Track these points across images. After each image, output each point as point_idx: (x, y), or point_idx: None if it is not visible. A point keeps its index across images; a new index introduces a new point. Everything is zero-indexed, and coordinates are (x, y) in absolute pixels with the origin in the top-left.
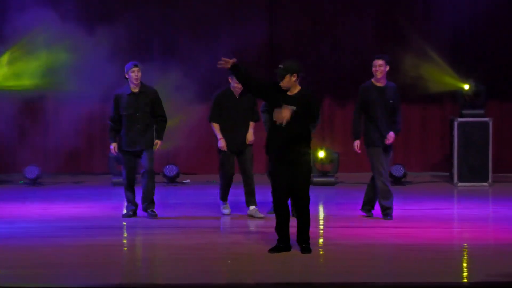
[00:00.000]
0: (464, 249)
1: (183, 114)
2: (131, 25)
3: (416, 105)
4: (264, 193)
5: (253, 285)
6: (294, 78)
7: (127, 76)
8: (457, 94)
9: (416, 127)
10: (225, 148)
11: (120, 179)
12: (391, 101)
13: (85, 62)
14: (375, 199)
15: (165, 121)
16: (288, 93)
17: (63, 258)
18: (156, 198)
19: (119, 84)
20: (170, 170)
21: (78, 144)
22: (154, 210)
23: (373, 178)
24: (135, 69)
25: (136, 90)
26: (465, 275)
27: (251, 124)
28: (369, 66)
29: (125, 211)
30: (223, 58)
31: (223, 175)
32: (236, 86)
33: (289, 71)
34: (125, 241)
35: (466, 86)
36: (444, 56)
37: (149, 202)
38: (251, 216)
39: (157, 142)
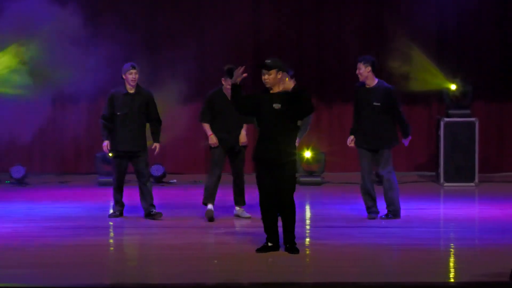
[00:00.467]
0: (451, 249)
1: (169, 114)
2: (115, 26)
3: (402, 103)
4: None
5: (240, 285)
6: (279, 76)
7: (124, 77)
8: (444, 94)
9: None
10: (216, 144)
11: (106, 179)
12: (376, 103)
13: (75, 60)
14: (390, 199)
15: (160, 124)
16: (271, 91)
17: (49, 258)
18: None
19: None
20: (157, 170)
21: (65, 143)
22: (156, 211)
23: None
24: (133, 71)
25: (132, 91)
26: (451, 275)
27: (244, 126)
28: (354, 65)
29: (111, 211)
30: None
31: (213, 174)
32: (229, 88)
33: (276, 67)
34: (111, 241)
35: (453, 86)
36: (430, 55)
37: (151, 204)
38: (238, 216)
39: (156, 145)
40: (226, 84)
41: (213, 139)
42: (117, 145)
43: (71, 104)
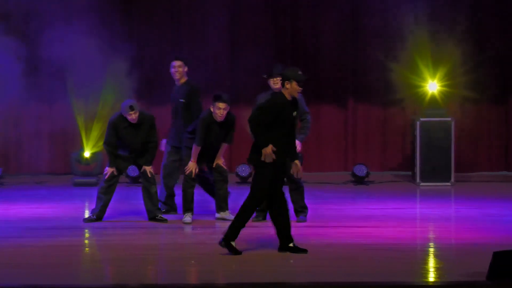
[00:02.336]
0: (427, 249)
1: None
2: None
3: (377, 104)
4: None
5: (217, 285)
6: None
7: (124, 115)
8: (419, 93)
9: (378, 126)
10: (193, 173)
11: (82, 180)
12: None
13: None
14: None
15: (156, 147)
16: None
17: (24, 259)
18: (118, 198)
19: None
20: (133, 171)
21: (40, 144)
22: (161, 216)
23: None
24: (132, 112)
25: (135, 122)
26: (427, 274)
27: (224, 145)
28: (331, 63)
29: (88, 215)
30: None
31: (186, 190)
32: (217, 112)
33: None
34: (87, 241)
35: (430, 86)
36: (406, 55)
37: (156, 207)
38: (223, 219)
39: (147, 168)
40: (215, 109)
41: (193, 166)
42: (119, 163)
43: (47, 104)
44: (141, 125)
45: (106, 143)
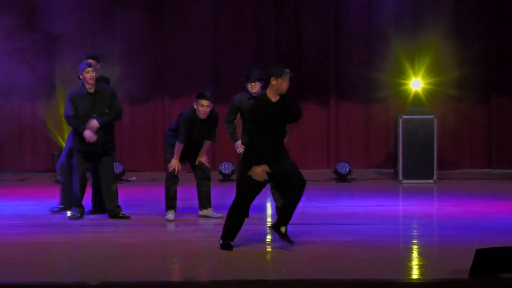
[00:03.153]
0: (410, 246)
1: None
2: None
3: (359, 102)
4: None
5: (200, 283)
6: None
7: (81, 77)
8: (402, 91)
9: (361, 124)
10: (176, 170)
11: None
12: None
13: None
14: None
15: (116, 116)
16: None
17: (7, 256)
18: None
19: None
20: (116, 168)
21: (22, 141)
22: (123, 212)
23: None
24: (89, 69)
25: (91, 90)
26: (411, 272)
27: (207, 143)
28: (313, 60)
29: (69, 213)
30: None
31: (169, 187)
32: (200, 110)
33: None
34: (70, 239)
35: (412, 84)
36: (389, 53)
37: (116, 205)
38: (206, 216)
39: (95, 122)
40: (198, 106)
41: (175, 164)
42: (81, 145)
43: (28, 101)
44: (97, 94)
45: (66, 117)
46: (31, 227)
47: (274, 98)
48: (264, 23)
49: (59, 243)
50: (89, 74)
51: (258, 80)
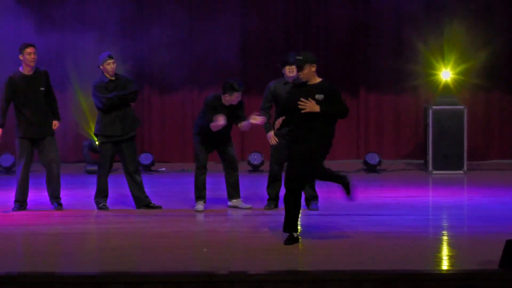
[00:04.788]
0: (440, 237)
1: (158, 102)
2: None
3: (389, 92)
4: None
5: (229, 273)
6: (313, 69)
7: (101, 67)
8: (432, 81)
9: (390, 114)
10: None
11: (94, 167)
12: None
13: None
14: None
15: (131, 97)
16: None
17: (36, 247)
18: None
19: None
20: (146, 158)
21: None
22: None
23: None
24: (110, 61)
25: (112, 78)
26: (440, 263)
27: (244, 123)
28: (343, 51)
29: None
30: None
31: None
32: (227, 100)
33: (308, 61)
34: (100, 229)
35: (442, 74)
36: (419, 43)
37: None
38: (235, 207)
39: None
40: (224, 98)
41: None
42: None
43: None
44: (120, 82)
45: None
46: (61, 218)
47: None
48: (292, 12)
49: (88, 233)
50: (110, 66)
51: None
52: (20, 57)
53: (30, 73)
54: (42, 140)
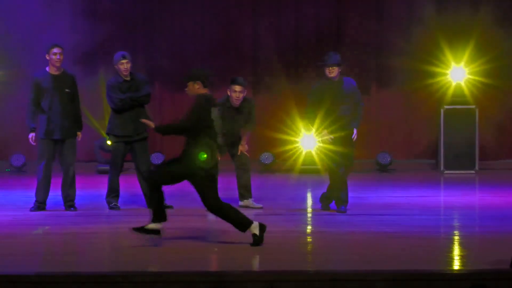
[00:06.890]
0: (451, 237)
1: (169, 101)
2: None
3: (400, 92)
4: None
5: (240, 272)
6: (197, 86)
7: (115, 67)
8: (444, 81)
9: (402, 114)
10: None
11: (105, 167)
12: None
13: None
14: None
15: (144, 99)
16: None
17: (48, 246)
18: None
19: None
20: (157, 158)
21: None
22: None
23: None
24: (124, 61)
25: (127, 78)
26: (452, 262)
27: (246, 132)
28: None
29: (113, 203)
30: (143, 121)
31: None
32: (233, 96)
33: (192, 78)
34: (111, 229)
35: (454, 74)
36: (431, 42)
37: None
38: (247, 207)
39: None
40: (231, 92)
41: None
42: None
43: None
44: (135, 82)
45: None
46: (72, 217)
47: None
48: (304, 10)
49: (99, 233)
50: (124, 66)
51: (337, 65)
52: (47, 56)
53: (57, 73)
54: (63, 142)
